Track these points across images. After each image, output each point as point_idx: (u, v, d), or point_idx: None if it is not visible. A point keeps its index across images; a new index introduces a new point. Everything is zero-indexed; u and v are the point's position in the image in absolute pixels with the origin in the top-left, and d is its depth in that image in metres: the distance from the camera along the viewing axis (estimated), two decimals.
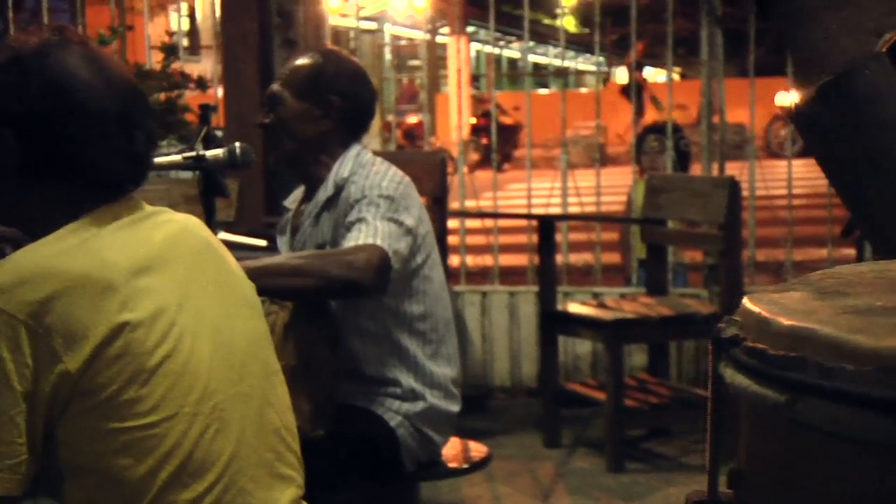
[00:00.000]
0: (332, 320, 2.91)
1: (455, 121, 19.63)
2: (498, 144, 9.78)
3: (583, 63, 36.91)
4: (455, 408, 3.12)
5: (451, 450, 3.22)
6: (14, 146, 1.80)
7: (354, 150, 3.08)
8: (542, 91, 29.49)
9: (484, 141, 19.38)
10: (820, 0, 1.94)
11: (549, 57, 34.08)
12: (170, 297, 1.80)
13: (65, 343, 1.66)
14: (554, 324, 4.98)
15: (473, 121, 20.24)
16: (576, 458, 4.85)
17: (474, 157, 18.43)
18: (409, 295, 3.02)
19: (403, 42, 24.70)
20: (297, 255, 2.84)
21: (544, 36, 29.29)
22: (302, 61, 3.11)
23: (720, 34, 5.54)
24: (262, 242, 3.69)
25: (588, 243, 6.07)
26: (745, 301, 1.20)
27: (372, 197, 2.91)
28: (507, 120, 21.74)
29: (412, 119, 19.60)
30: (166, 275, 1.83)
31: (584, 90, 31.99)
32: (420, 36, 26.02)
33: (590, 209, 6.16)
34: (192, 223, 1.99)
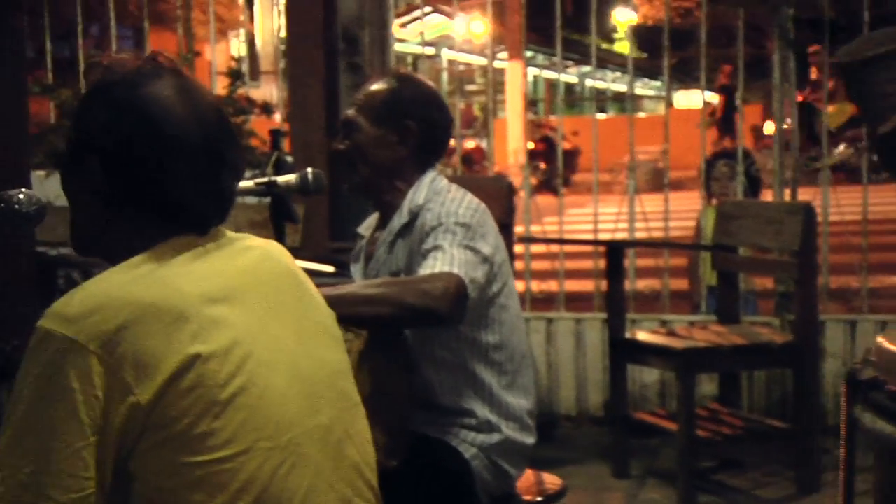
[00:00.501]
0: (406, 349, 2.85)
1: (513, 145, 19.57)
2: (557, 169, 9.74)
3: (641, 87, 36.86)
4: (530, 440, 3.04)
5: (525, 482, 3.13)
6: (100, 176, 1.76)
7: (429, 176, 3.02)
8: (601, 115, 29.41)
9: (542, 165, 19.31)
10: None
11: (606, 81, 33.98)
12: (245, 328, 1.75)
13: (136, 374, 1.60)
14: (623, 352, 4.89)
15: (531, 146, 20.18)
16: (646, 490, 4.75)
17: (532, 181, 18.34)
18: (485, 324, 2.95)
19: (461, 67, 24.74)
20: (372, 282, 2.79)
21: (602, 60, 29.20)
22: (377, 86, 3.06)
23: (792, 58, 5.44)
24: (330, 268, 3.65)
25: (655, 269, 5.98)
26: (882, 340, 1.12)
27: (448, 224, 2.85)
28: (565, 145, 21.68)
29: (469, 144, 19.57)
30: (243, 304, 1.78)
31: (642, 114, 31.90)
32: (478, 61, 26.03)
33: (656, 234, 6.06)
34: (275, 250, 1.94)
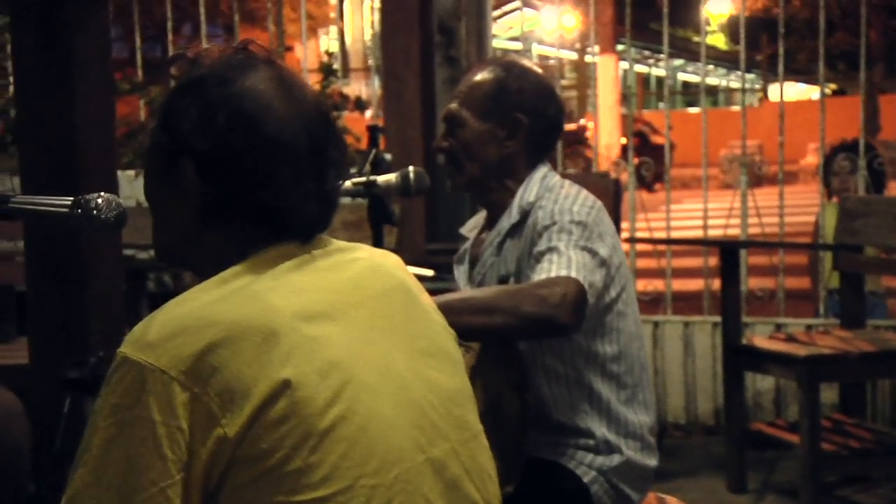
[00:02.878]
0: (521, 363, 2.61)
1: (605, 141, 19.22)
2: (650, 165, 9.40)
3: (734, 80, 36.19)
4: (653, 461, 2.78)
5: None
6: (194, 181, 1.57)
7: (540, 171, 2.78)
8: (692, 110, 28.89)
9: (636, 161, 18.95)
10: None
11: (698, 75, 33.46)
12: (346, 348, 1.53)
13: (222, 403, 1.41)
14: (739, 359, 4.59)
15: (624, 141, 19.81)
16: None
17: (624, 177, 18.04)
18: (602, 333, 2.70)
19: (551, 62, 24.45)
20: (483, 290, 2.55)
21: (694, 53, 28.71)
22: (482, 76, 2.81)
23: None
24: (429, 272, 3.42)
25: (769, 268, 5.64)
26: None
27: (563, 223, 2.60)
28: (658, 139, 21.27)
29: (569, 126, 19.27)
30: (345, 321, 1.56)
31: (733, 108, 31.33)
32: (568, 55, 25.71)
33: (770, 231, 5.72)
34: (388, 262, 1.72)
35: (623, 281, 2.72)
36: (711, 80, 35.60)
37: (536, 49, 22.15)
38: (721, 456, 4.83)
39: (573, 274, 2.48)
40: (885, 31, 18.86)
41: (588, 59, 25.12)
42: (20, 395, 2.63)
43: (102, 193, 1.82)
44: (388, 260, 1.73)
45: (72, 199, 1.82)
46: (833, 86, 34.64)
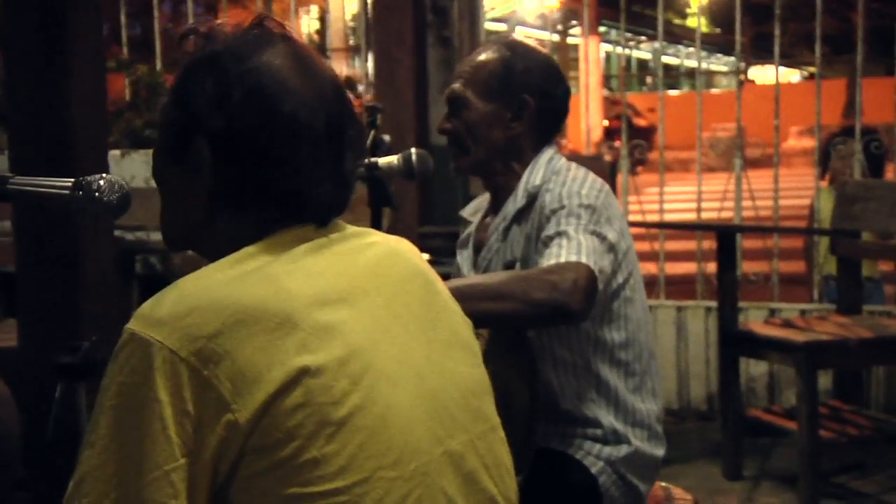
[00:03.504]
0: (531, 351, 2.55)
1: (586, 123, 19.13)
2: (644, 147, 9.35)
3: (715, 63, 36.20)
4: (660, 451, 2.73)
5: (653, 498, 2.82)
6: (208, 160, 1.50)
7: (547, 154, 2.71)
8: (673, 92, 28.86)
9: (617, 143, 18.92)
10: None
11: (679, 58, 33.39)
12: (364, 335, 1.46)
13: (234, 388, 1.34)
14: (735, 345, 4.53)
15: (606, 123, 19.77)
16: (762, 493, 4.41)
17: (607, 159, 17.99)
18: (610, 320, 2.64)
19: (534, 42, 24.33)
20: (492, 275, 2.48)
21: (676, 36, 28.67)
22: (486, 56, 2.73)
23: None
24: (425, 256, 3.34)
25: (763, 251, 5.58)
26: None
27: (571, 206, 2.54)
28: (640, 122, 21.23)
29: None
30: (362, 308, 1.49)
31: (714, 91, 31.32)
32: (550, 37, 25.62)
33: (764, 214, 5.66)
34: (403, 247, 1.65)
35: (630, 266, 2.66)
36: (692, 63, 35.57)
37: (519, 30, 22.06)
38: (715, 442, 4.78)
39: (583, 259, 2.42)
40: (870, 14, 18.87)
41: (569, 40, 25.03)
42: (7, 378, 2.56)
43: (105, 175, 1.75)
44: (403, 246, 1.66)
45: (72, 180, 1.74)
46: (812, 69, 34.65)
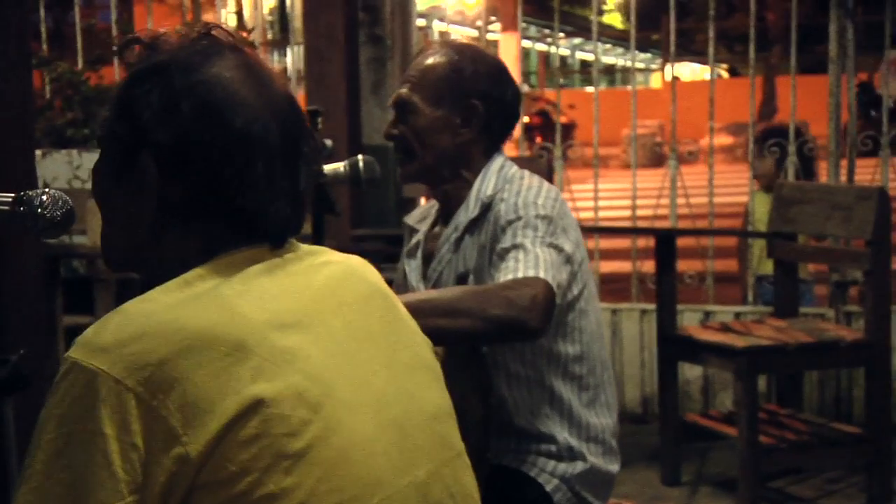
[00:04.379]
0: (485, 365, 2.46)
1: None
2: (571, 145, 9.31)
3: (630, 60, 36.47)
4: (615, 467, 2.67)
5: None
6: (154, 177, 1.40)
7: (497, 162, 2.62)
8: (590, 89, 28.97)
9: (538, 140, 18.93)
10: None
11: (597, 54, 33.59)
12: (322, 361, 1.38)
13: (184, 419, 1.26)
14: (674, 349, 4.49)
15: (527, 119, 19.77)
16: (701, 499, 4.38)
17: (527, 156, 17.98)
18: (564, 333, 2.56)
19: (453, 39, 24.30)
20: (446, 290, 2.38)
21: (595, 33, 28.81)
22: (433, 59, 2.64)
23: (852, 28, 5.03)
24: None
25: (697, 250, 5.54)
26: None
27: (528, 218, 2.45)
28: (561, 119, 21.26)
29: None
30: (319, 332, 1.41)
31: (629, 88, 31.48)
32: (470, 33, 25.60)
33: (697, 211, 5.61)
34: (357, 265, 1.56)
35: (585, 277, 2.59)
36: (608, 60, 35.84)
37: (437, 26, 21.97)
38: (651, 446, 4.74)
39: (541, 274, 2.34)
40: (784, 13, 19.09)
41: (490, 36, 25.02)
42: None
43: (48, 189, 1.64)
44: (358, 263, 1.57)
45: (12, 195, 1.61)
46: (725, 66, 35.09)
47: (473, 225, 2.57)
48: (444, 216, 2.67)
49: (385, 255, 4.74)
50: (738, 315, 5.16)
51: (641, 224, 5.47)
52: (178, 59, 1.43)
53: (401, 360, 1.51)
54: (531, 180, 2.58)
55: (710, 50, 5.52)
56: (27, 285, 2.91)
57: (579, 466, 2.55)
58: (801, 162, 5.16)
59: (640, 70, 38.42)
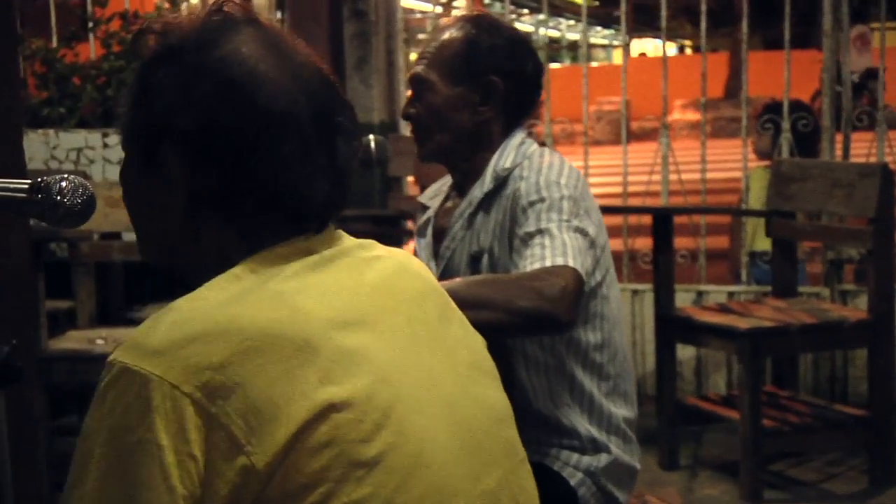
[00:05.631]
0: (509, 361, 2.35)
1: None
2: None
3: (595, 36, 36.39)
4: (636, 459, 2.56)
5: None
6: (181, 169, 1.30)
7: (517, 137, 2.51)
8: (554, 65, 28.87)
9: None
10: None
11: (561, 31, 33.43)
12: (389, 361, 1.29)
13: (247, 427, 1.16)
14: (673, 330, 4.39)
15: None
16: (701, 483, 4.29)
17: None
18: (585, 320, 2.45)
19: (417, 15, 24.07)
20: (468, 280, 2.25)
21: (558, 9, 28.66)
22: (449, 34, 2.51)
23: (846, 2, 4.94)
24: None
25: (689, 227, 5.43)
26: None
27: (552, 199, 2.34)
28: None
29: None
30: (383, 330, 1.31)
31: (594, 64, 31.39)
32: (433, 9, 25.40)
33: (689, 188, 5.50)
34: (407, 260, 1.46)
35: (607, 262, 2.48)
36: (572, 36, 35.73)
37: (404, 1, 21.79)
38: (646, 429, 4.62)
39: (570, 262, 2.23)
40: None
41: (455, 13, 24.83)
42: None
43: (67, 175, 1.50)
44: (411, 260, 1.47)
45: (28, 182, 1.48)
46: (689, 42, 35.07)
47: (488, 200, 2.45)
48: (459, 191, 2.55)
49: (372, 235, 4.61)
50: (731, 295, 5.07)
51: (632, 202, 5.37)
52: (190, 39, 1.34)
53: (462, 360, 1.42)
54: (552, 158, 2.46)
55: (703, 24, 5.41)
56: (16, 272, 2.77)
57: (604, 459, 2.45)
58: (797, 138, 5.06)
59: (603, 46, 38.33)
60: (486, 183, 2.45)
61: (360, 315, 1.29)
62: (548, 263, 2.22)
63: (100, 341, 3.94)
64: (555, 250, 2.24)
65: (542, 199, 2.34)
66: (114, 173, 4.68)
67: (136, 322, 4.30)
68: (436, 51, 2.49)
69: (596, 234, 2.37)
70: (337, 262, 1.34)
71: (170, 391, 1.15)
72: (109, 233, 4.29)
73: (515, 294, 2.15)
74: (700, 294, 5.13)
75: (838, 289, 4.95)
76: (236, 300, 1.23)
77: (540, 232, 2.29)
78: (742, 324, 4.07)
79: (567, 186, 2.36)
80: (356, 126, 1.44)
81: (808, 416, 4.26)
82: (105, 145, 4.79)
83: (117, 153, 4.68)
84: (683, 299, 5.07)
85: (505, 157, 2.46)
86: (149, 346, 1.18)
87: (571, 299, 2.18)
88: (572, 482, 2.42)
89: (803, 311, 4.26)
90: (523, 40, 2.57)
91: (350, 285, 1.32)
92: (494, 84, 2.45)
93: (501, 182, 2.43)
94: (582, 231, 2.31)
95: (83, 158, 4.80)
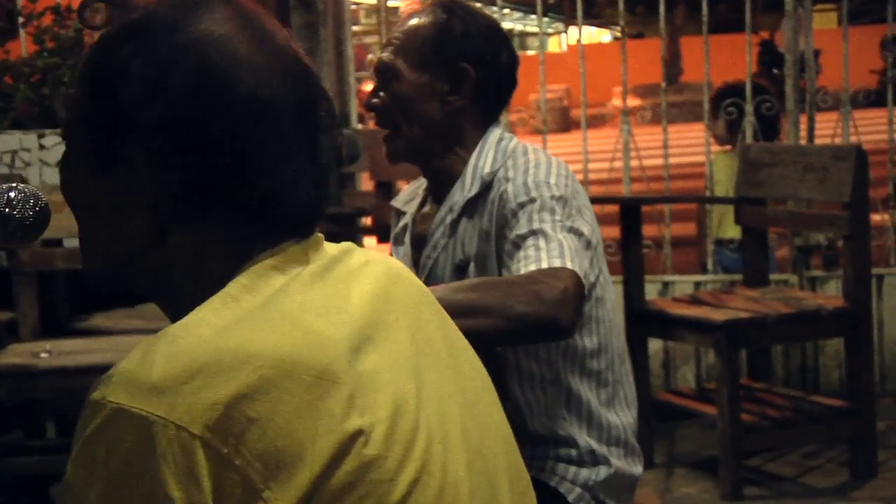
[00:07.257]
0: (502, 370, 2.18)
1: None
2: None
3: (528, 24, 36.30)
4: (638, 468, 2.42)
5: None
6: (144, 168, 1.12)
7: (494, 134, 2.33)
8: None
9: None
10: None
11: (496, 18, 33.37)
12: (400, 386, 1.14)
13: (265, 469, 1.01)
14: (644, 324, 4.24)
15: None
16: (679, 483, 4.15)
17: None
18: (581, 325, 2.28)
19: (352, 6, 23.85)
20: (461, 284, 2.08)
21: None
22: (418, 20, 2.34)
23: None
24: None
25: (653, 214, 5.28)
26: None
27: (543, 199, 2.17)
28: None
29: (368, 87, 18.75)
30: (389, 349, 1.17)
31: (530, 52, 31.28)
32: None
33: (651, 174, 5.36)
34: (395, 265, 1.30)
35: (601, 262, 2.32)
36: (508, 25, 35.64)
37: None
38: None
39: (568, 264, 2.06)
40: None
41: (390, 3, 24.63)
42: None
43: (15, 184, 1.30)
44: (395, 263, 1.31)
45: None
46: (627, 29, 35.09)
47: (471, 205, 2.27)
48: (436, 196, 2.37)
49: (328, 234, 4.43)
50: (698, 285, 4.93)
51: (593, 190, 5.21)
52: (158, 17, 1.15)
53: (465, 375, 1.28)
54: (537, 156, 2.29)
55: (662, 9, 5.26)
56: None
57: (603, 472, 2.29)
58: (761, 122, 4.93)
59: (537, 34, 38.30)
60: (466, 186, 2.28)
61: (368, 332, 1.14)
62: (544, 265, 2.05)
63: (44, 354, 3.72)
64: (551, 251, 2.08)
65: (532, 200, 2.17)
66: (51, 176, 4.44)
67: (82, 333, 4.09)
68: (403, 36, 2.32)
69: (590, 235, 2.22)
70: (332, 271, 1.18)
71: (176, 434, 0.99)
72: (51, 239, 4.06)
73: (511, 298, 1.99)
74: (666, 285, 4.98)
75: (807, 276, 4.83)
76: (239, 323, 1.06)
77: (533, 233, 2.12)
78: (717, 316, 3.93)
79: (557, 186, 2.20)
80: (335, 118, 1.27)
81: (787, 409, 4.13)
82: (41, 147, 4.55)
83: (55, 155, 4.45)
84: (649, 290, 4.91)
85: (484, 156, 2.29)
86: (146, 382, 1.00)
87: (573, 303, 2.02)
88: (570, 497, 2.27)
89: (777, 301, 4.13)
90: (498, 28, 2.40)
91: (350, 298, 1.16)
92: (466, 71, 2.28)
93: (487, 185, 2.26)
94: (577, 231, 2.16)
95: (18, 161, 4.55)
